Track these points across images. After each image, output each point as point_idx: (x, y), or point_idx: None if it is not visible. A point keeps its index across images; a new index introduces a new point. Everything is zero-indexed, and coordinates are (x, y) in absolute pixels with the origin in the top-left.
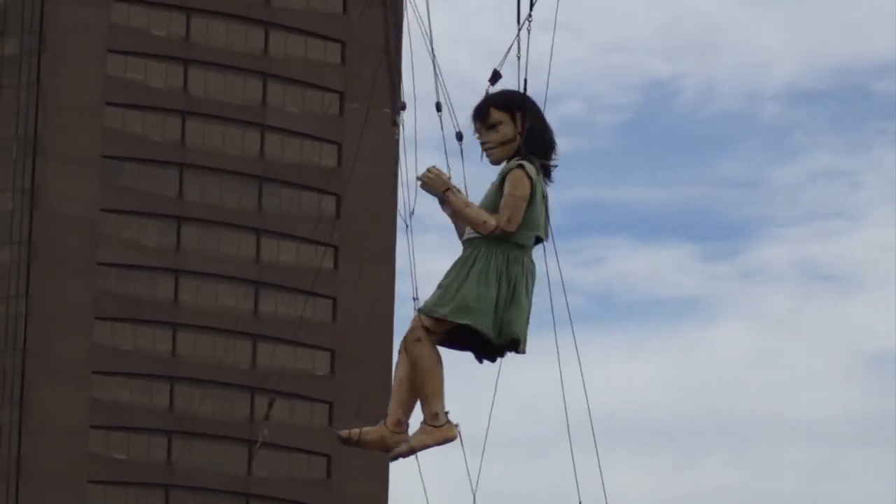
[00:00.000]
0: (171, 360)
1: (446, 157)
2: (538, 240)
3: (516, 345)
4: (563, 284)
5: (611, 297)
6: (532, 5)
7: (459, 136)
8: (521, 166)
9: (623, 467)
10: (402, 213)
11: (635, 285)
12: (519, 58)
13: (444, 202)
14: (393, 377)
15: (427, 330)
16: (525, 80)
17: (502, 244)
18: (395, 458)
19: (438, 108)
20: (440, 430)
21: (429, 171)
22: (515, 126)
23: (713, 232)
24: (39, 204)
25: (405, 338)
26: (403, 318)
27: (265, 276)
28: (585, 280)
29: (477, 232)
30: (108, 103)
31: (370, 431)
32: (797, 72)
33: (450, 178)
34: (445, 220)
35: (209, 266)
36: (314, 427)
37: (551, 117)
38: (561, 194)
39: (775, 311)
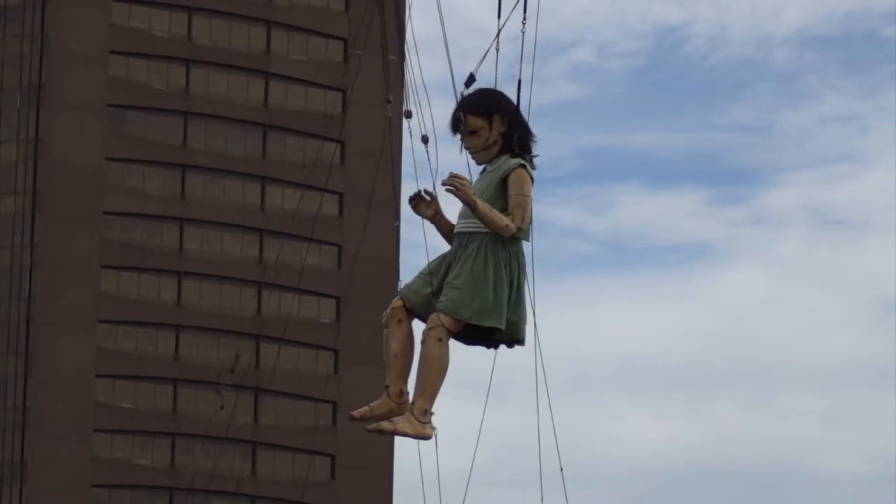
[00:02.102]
0: (176, 308)
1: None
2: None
3: (520, 342)
4: (536, 331)
5: (622, 243)
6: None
7: (424, 140)
8: (522, 165)
9: (636, 413)
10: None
11: (647, 231)
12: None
13: (472, 208)
14: (385, 351)
15: (447, 329)
16: (519, 81)
17: (504, 240)
18: (374, 431)
19: (408, 115)
20: (422, 427)
21: (456, 177)
22: (491, 129)
23: (724, 177)
24: (44, 153)
25: (427, 333)
26: (409, 264)
27: (270, 224)
28: (597, 226)
29: (497, 233)
30: (112, 52)
31: (378, 406)
32: (808, 17)
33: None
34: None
35: (214, 214)
36: (320, 374)
37: (563, 63)
38: (573, 140)
39: (787, 256)
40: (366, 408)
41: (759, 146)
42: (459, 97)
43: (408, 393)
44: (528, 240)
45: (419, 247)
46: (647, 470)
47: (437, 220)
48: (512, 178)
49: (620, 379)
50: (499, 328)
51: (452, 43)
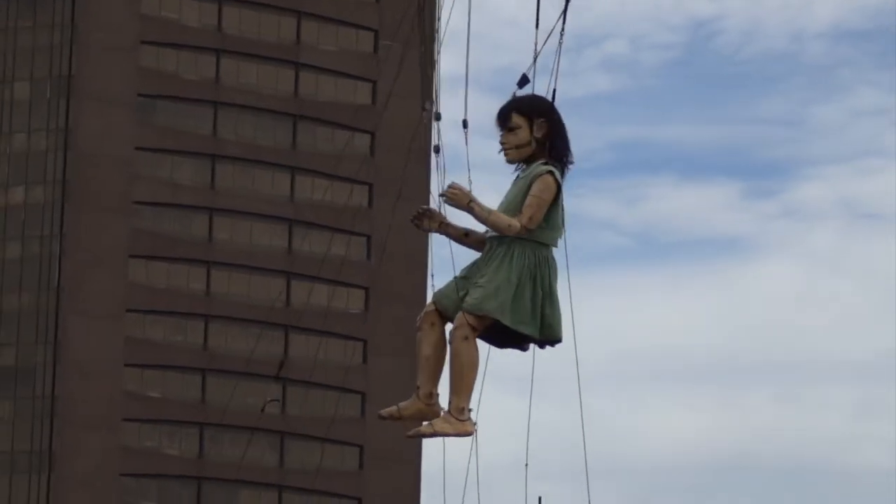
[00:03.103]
0: (205, 298)
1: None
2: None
3: (556, 341)
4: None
5: (655, 236)
6: (564, 20)
7: (464, 124)
8: (551, 172)
9: (667, 406)
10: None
11: (679, 224)
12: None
13: (470, 213)
14: (417, 354)
15: (472, 328)
16: (554, 91)
17: (532, 244)
18: (415, 436)
19: (437, 117)
20: (462, 424)
21: (451, 187)
22: (532, 132)
23: (757, 170)
24: (74, 143)
25: (453, 332)
26: (438, 256)
27: (299, 215)
28: (629, 218)
29: (505, 234)
30: (142, 42)
31: (407, 406)
32: (841, 10)
33: (470, 190)
34: (482, 162)
35: (243, 204)
36: (348, 365)
37: (596, 56)
38: (605, 133)
39: (818, 249)
40: (394, 407)
41: (792, 139)
42: (512, 97)
43: (438, 395)
44: (554, 245)
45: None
46: (678, 462)
47: (446, 229)
48: (537, 182)
49: (652, 371)
50: (521, 330)
51: (484, 35)
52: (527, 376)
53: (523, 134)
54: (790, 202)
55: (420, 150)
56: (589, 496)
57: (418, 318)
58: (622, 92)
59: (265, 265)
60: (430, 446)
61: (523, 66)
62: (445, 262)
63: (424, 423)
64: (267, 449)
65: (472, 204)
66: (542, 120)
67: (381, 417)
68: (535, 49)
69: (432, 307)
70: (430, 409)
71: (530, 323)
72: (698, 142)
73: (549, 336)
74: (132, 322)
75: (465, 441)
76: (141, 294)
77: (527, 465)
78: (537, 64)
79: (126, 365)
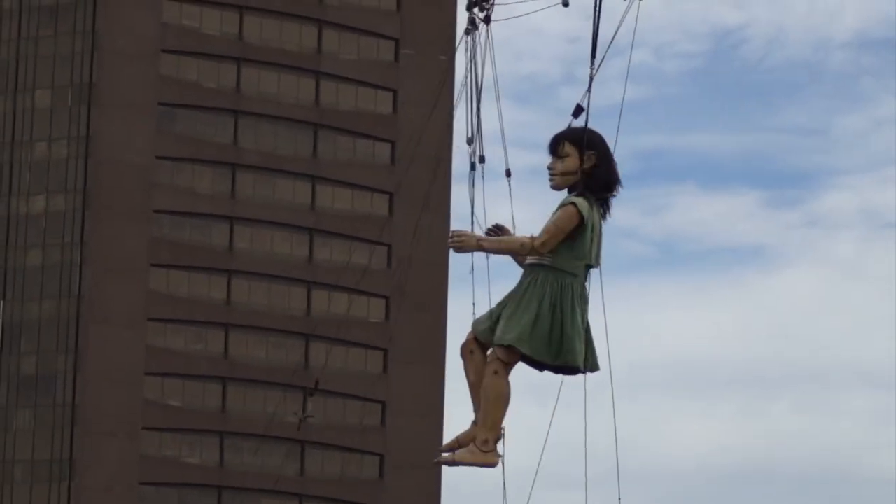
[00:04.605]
0: (225, 307)
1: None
2: (589, 266)
3: (577, 369)
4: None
5: (677, 245)
6: (595, 63)
7: (482, 160)
8: (574, 203)
9: (689, 414)
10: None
11: (701, 233)
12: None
13: (483, 250)
14: (467, 382)
15: (502, 362)
16: (585, 126)
17: (555, 273)
18: (440, 463)
19: (469, 142)
20: (484, 455)
21: (454, 235)
22: (581, 162)
23: (779, 179)
24: (94, 151)
25: (486, 367)
26: (458, 264)
27: (320, 224)
28: (651, 227)
29: (520, 255)
30: (163, 50)
31: (465, 435)
32: (865, 20)
33: (473, 232)
34: (499, 167)
35: (264, 213)
36: (369, 373)
37: (620, 64)
38: (628, 141)
39: (841, 258)
40: (453, 439)
41: (815, 149)
42: (568, 126)
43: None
44: (577, 273)
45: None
46: (700, 471)
47: (483, 243)
48: (559, 210)
49: (674, 380)
50: (542, 360)
51: (509, 43)
52: (547, 385)
53: (571, 163)
54: (812, 211)
55: (441, 159)
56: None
57: (461, 346)
58: (645, 101)
59: (285, 274)
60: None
61: (546, 75)
62: (466, 271)
63: (446, 453)
64: (287, 458)
65: (480, 242)
66: (591, 152)
67: (442, 454)
68: (590, 79)
69: (470, 335)
70: None
71: (549, 352)
72: (721, 151)
73: (567, 363)
74: (152, 331)
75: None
76: (161, 303)
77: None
78: (572, 67)
79: (146, 374)
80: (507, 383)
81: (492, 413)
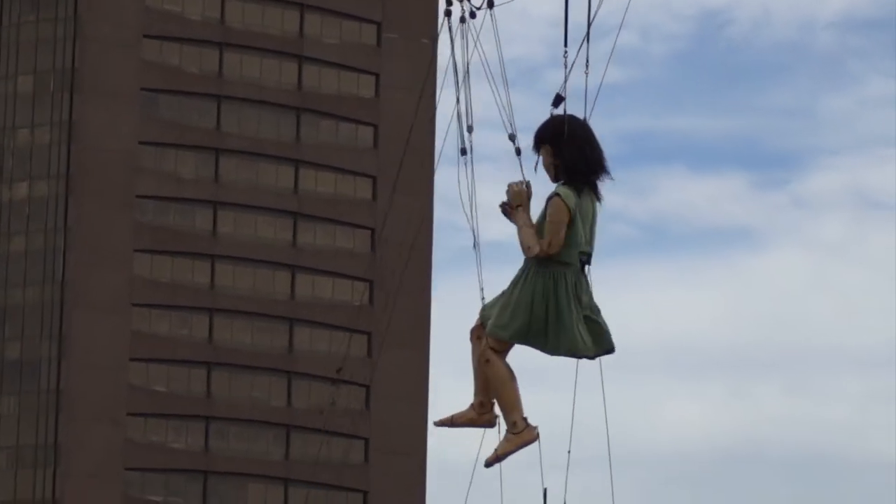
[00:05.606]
0: (209, 291)
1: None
2: (584, 252)
3: (579, 355)
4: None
5: (664, 227)
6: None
7: (469, 129)
8: (557, 194)
9: (677, 396)
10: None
11: (689, 215)
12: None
13: (512, 217)
14: (472, 366)
15: (494, 350)
16: (585, 118)
17: (549, 263)
18: (488, 465)
19: (469, 129)
20: (519, 436)
21: (514, 184)
22: (548, 156)
23: (766, 161)
24: (77, 137)
25: (479, 356)
26: (441, 247)
27: (303, 208)
28: (639, 209)
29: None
30: (145, 36)
31: (461, 415)
32: (851, 0)
33: (529, 196)
34: (490, 153)
35: (247, 198)
36: (352, 357)
37: (606, 46)
38: (615, 124)
39: (828, 239)
40: (448, 416)
41: (802, 130)
42: (550, 114)
43: (492, 404)
44: (570, 261)
45: (459, 230)
46: (687, 453)
47: (517, 218)
48: (548, 206)
49: (662, 362)
50: (533, 347)
51: (493, 25)
52: (537, 368)
53: (545, 158)
54: (800, 192)
55: (423, 143)
56: (562, 486)
57: (470, 330)
58: (632, 83)
59: (269, 258)
60: (435, 439)
61: (533, 58)
62: (450, 254)
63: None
64: (272, 442)
65: (520, 208)
66: (546, 146)
67: (437, 424)
68: (566, 70)
69: (478, 321)
70: (480, 419)
71: (547, 343)
72: (708, 133)
73: (565, 350)
74: (137, 316)
75: (472, 435)
76: (145, 288)
77: (569, 451)
78: (557, 49)
79: (131, 359)
80: (503, 365)
81: (503, 397)
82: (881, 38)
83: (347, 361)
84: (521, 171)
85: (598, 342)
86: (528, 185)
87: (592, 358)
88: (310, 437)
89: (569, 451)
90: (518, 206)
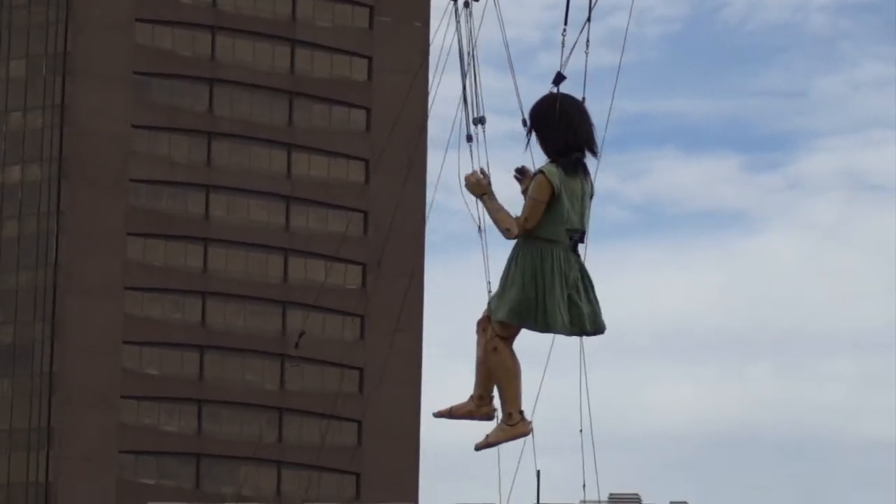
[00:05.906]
0: (202, 275)
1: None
2: (573, 230)
3: (555, 331)
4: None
5: (657, 209)
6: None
7: (478, 121)
8: (541, 171)
9: (670, 378)
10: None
11: (682, 196)
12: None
13: (483, 205)
14: (476, 358)
15: (501, 337)
16: (583, 98)
17: (535, 241)
18: (477, 449)
19: (482, 121)
20: (514, 428)
21: (470, 176)
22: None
23: (759, 143)
24: (70, 121)
25: (485, 346)
26: (435, 230)
27: (296, 191)
28: (632, 191)
29: (506, 237)
30: (138, 19)
31: (460, 406)
32: None
33: (489, 182)
34: (488, 137)
35: (240, 181)
36: (346, 340)
37: (599, 29)
38: (607, 106)
39: (822, 221)
40: (446, 407)
41: (795, 112)
42: (549, 92)
43: (492, 398)
44: (559, 239)
45: (453, 213)
46: (680, 435)
47: (486, 201)
48: (532, 183)
49: (655, 344)
50: (529, 328)
51: (488, 10)
52: (533, 350)
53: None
54: (793, 174)
55: (416, 126)
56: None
57: (477, 322)
58: (625, 65)
59: (262, 242)
60: (428, 422)
61: (526, 41)
62: (442, 237)
63: (447, 416)
64: (265, 425)
65: (484, 197)
66: (527, 128)
67: (435, 415)
68: (562, 50)
69: (485, 313)
70: (479, 411)
71: (536, 321)
72: (701, 115)
73: (553, 328)
74: (130, 299)
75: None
76: (138, 271)
77: (581, 430)
78: (551, 33)
79: (124, 342)
80: (511, 355)
81: (505, 389)
82: (874, 21)
83: (341, 345)
84: (532, 159)
85: (575, 322)
86: (482, 171)
87: (569, 336)
88: (303, 420)
89: (580, 430)
90: (482, 195)
